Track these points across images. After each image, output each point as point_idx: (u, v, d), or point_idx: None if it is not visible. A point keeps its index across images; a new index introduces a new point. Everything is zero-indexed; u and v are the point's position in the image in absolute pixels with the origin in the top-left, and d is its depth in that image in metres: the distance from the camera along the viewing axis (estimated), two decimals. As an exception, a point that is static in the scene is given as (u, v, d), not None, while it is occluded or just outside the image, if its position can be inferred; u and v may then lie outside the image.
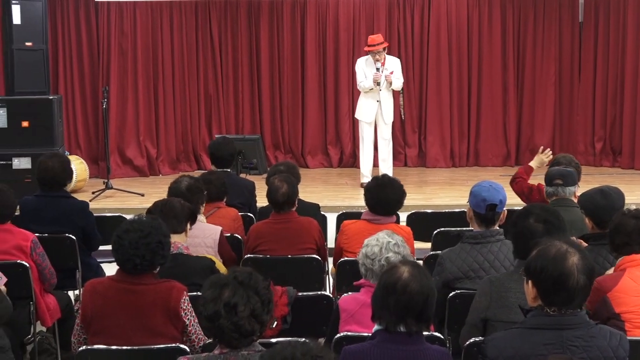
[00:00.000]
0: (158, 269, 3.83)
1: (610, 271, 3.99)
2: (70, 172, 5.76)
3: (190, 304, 3.76)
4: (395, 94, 10.54)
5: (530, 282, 3.02)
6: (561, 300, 2.95)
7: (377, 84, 9.61)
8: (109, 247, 5.93)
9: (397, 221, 5.44)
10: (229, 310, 2.94)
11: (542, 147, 6.60)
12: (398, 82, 9.79)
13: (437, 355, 3.14)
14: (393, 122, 10.13)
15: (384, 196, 5.08)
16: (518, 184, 6.06)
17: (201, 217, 5.19)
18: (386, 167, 10.02)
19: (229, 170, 6.56)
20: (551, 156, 6.35)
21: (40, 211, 5.53)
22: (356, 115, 10.15)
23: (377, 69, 9.60)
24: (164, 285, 3.76)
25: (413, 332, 3.10)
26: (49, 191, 5.59)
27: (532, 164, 6.30)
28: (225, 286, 2.99)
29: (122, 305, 3.71)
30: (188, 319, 3.74)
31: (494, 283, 3.75)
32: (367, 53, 9.82)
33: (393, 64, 9.78)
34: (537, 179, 6.23)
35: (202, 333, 3.75)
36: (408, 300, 3.07)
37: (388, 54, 9.88)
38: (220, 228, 5.12)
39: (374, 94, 9.74)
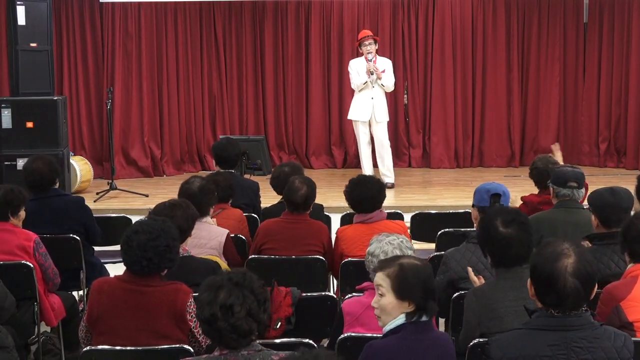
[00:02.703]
0: (166, 272, 3.82)
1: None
2: (57, 168, 5.73)
3: (195, 306, 3.75)
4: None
5: (529, 279, 3.03)
6: (552, 301, 2.93)
7: (371, 73, 9.59)
8: (112, 248, 5.99)
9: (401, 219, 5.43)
10: (225, 311, 2.94)
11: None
12: (388, 81, 9.78)
13: (445, 338, 3.33)
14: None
15: (359, 193, 5.16)
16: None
17: (210, 220, 5.18)
18: (385, 169, 10.00)
19: (233, 171, 6.56)
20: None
21: (38, 214, 5.51)
22: (350, 117, 10.11)
23: (370, 60, 9.61)
24: (171, 288, 3.75)
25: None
26: (41, 193, 5.59)
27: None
28: (220, 288, 2.98)
29: (129, 306, 3.70)
30: (195, 321, 3.72)
31: (479, 297, 3.65)
32: (362, 54, 9.82)
33: (384, 64, 9.79)
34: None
35: (207, 332, 3.74)
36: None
37: (380, 55, 9.88)
38: (227, 231, 5.11)
39: (368, 91, 9.73)
